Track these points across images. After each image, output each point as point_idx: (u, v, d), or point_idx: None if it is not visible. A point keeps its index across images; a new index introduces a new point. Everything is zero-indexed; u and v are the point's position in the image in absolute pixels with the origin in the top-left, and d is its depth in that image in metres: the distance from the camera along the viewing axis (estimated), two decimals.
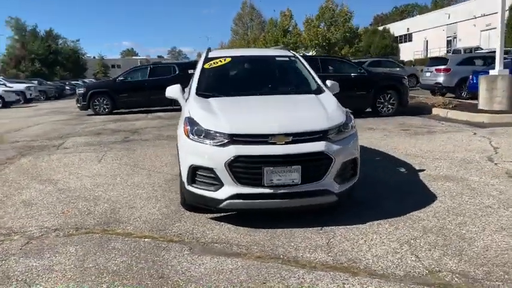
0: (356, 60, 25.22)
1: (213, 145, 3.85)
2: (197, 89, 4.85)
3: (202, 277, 3.10)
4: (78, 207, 4.77)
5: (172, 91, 5.06)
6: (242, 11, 63.31)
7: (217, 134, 3.87)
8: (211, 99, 4.58)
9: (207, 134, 3.91)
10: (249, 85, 5.11)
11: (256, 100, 4.66)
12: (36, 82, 33.93)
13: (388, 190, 5.05)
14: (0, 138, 10.61)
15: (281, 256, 3.42)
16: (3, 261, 3.44)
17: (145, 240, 3.82)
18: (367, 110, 12.49)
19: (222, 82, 5.21)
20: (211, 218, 4.24)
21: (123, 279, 3.09)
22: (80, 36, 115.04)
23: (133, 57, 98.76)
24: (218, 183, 3.85)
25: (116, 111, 15.54)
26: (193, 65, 16.46)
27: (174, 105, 13.54)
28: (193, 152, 3.95)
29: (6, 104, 23.38)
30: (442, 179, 5.41)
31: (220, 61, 5.34)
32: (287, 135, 3.82)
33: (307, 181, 3.85)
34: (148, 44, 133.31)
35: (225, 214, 4.22)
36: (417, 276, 3.04)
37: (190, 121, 4.11)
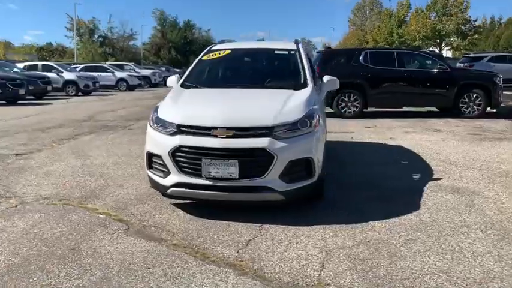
0: (472, 55, 22.92)
1: (165, 134, 4.04)
2: (184, 79, 5.05)
3: (107, 254, 3.33)
4: (79, 181, 5.34)
5: (171, 81, 5.32)
6: (362, 1, 61.20)
7: (169, 124, 4.04)
8: (189, 90, 4.76)
9: (163, 123, 4.11)
10: (235, 78, 5.17)
11: (228, 93, 4.71)
12: (163, 69, 37.08)
13: (378, 196, 4.73)
14: (91, 117, 12.02)
15: (193, 246, 3.49)
16: None
17: (100, 216, 4.17)
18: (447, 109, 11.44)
19: (211, 74, 5.34)
20: (173, 204, 4.42)
21: (44, 247, 3.46)
22: (213, 27, 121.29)
23: None
24: (166, 171, 4.04)
25: None
26: None
27: None
28: (151, 139, 4.19)
29: (131, 87, 26.03)
30: (449, 191, 4.88)
31: (219, 53, 5.45)
32: (229, 129, 3.84)
33: (247, 176, 3.83)
34: (281, 34, 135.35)
35: (190, 202, 4.33)
36: (300, 285, 2.90)
37: (155, 110, 4.35)
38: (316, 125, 4.10)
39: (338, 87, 5.21)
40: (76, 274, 3.02)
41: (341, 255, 3.32)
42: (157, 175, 4.14)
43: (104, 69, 25.77)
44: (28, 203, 4.55)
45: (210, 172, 3.83)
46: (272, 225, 3.87)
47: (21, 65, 21.05)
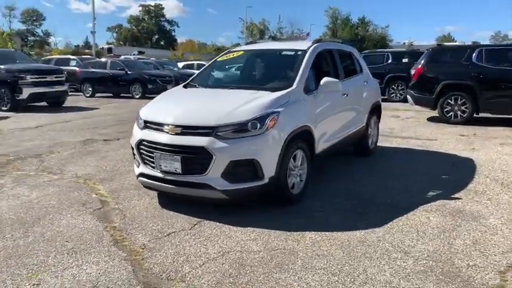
0: None
1: (138, 128, 4.53)
2: (191, 79, 5.43)
3: (54, 226, 3.97)
4: (115, 165, 6.18)
5: None
6: None
7: (141, 119, 4.51)
8: (185, 90, 5.14)
9: (139, 118, 4.60)
10: (231, 78, 5.31)
11: (208, 93, 4.93)
12: None
13: (355, 208, 4.42)
14: None
15: (123, 230, 3.90)
16: None
17: (94, 196, 4.89)
18: None
19: (214, 74, 5.55)
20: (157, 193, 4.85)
21: (23, 214, 4.29)
22: (391, 22, 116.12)
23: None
24: (138, 161, 4.52)
25: None
26: (409, 54, 15.53)
27: (388, 95, 13.20)
28: (133, 132, 4.71)
29: None
30: (446, 212, 4.25)
31: (233, 54, 5.65)
32: (177, 126, 4.11)
33: (190, 173, 4.06)
34: (475, 28, 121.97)
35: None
36: (159, 277, 3.07)
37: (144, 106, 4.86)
38: (269, 127, 4.03)
39: (339, 89, 4.91)
40: (18, 236, 3.70)
41: (230, 259, 3.31)
42: (135, 164, 4.62)
43: None
44: (62, 179, 5.50)
45: (161, 166, 4.16)
46: (211, 222, 4.01)
47: (181, 64, 23.86)
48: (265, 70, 5.33)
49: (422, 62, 10.22)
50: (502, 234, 3.71)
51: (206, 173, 3.97)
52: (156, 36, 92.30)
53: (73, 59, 22.92)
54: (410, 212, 4.25)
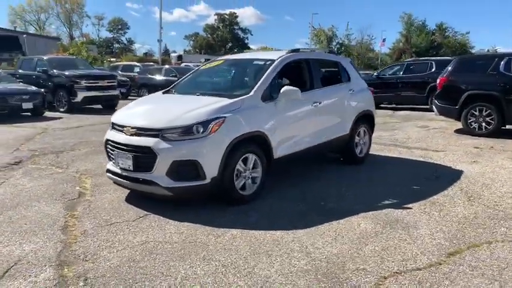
0: None
1: (109, 128, 5.09)
2: (173, 86, 5.91)
3: (19, 210, 4.62)
4: None
5: None
6: None
7: (111, 121, 5.06)
8: (159, 95, 5.65)
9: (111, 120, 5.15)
10: (203, 85, 5.69)
11: (174, 98, 5.35)
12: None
13: (302, 209, 4.63)
14: None
15: (75, 217, 4.45)
16: None
17: (77, 188, 5.51)
18: None
19: (191, 81, 5.95)
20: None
21: (8, 200, 5.00)
22: (473, 28, 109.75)
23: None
24: (108, 158, 5.09)
25: None
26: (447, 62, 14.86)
27: (430, 104, 13.00)
28: None
29: None
30: (370, 217, 4.35)
31: (215, 63, 6.06)
32: (132, 128, 4.61)
33: (139, 170, 4.53)
34: None
35: None
36: (55, 258, 3.55)
37: None
38: (211, 131, 4.39)
39: (299, 97, 5.12)
40: None
41: (146, 247, 3.71)
42: None
43: None
44: (63, 173, 6.22)
45: (119, 163, 4.67)
46: (156, 216, 4.44)
47: None
48: (235, 78, 5.66)
49: (448, 71, 9.92)
50: (418, 244, 3.75)
51: (152, 171, 4.40)
52: (230, 44, 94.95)
53: (137, 66, 24.55)
54: (347, 217, 4.37)
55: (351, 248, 3.68)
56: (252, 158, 4.79)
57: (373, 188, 5.41)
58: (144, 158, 4.45)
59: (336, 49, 53.92)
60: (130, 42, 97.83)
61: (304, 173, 6.18)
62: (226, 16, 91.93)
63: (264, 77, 5.13)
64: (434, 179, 5.93)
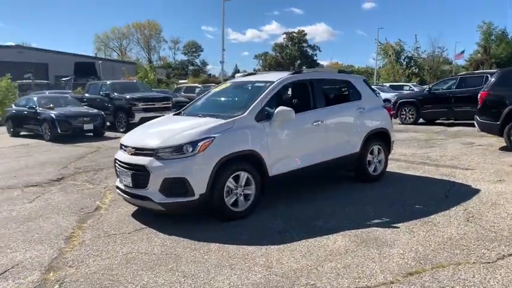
0: None
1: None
2: (185, 108, 6.36)
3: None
4: None
5: None
6: None
7: (120, 142, 5.58)
8: (168, 117, 6.10)
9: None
10: (207, 107, 6.04)
11: (179, 120, 5.72)
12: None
13: (285, 226, 4.79)
14: None
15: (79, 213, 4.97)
16: None
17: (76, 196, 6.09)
18: None
19: (201, 104, 6.32)
20: None
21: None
22: None
23: None
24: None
25: (420, 121, 15.73)
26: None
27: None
28: None
29: None
30: (350, 235, 4.41)
31: (224, 86, 6.43)
32: (132, 148, 5.09)
33: (137, 186, 4.97)
34: None
35: None
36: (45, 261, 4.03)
37: None
38: (200, 150, 4.73)
39: (292, 118, 5.30)
40: (11, 227, 5.01)
41: (126, 257, 4.09)
42: None
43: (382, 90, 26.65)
44: (93, 189, 6.86)
45: (122, 180, 5.16)
46: (151, 229, 4.84)
47: None
48: (235, 100, 5.96)
49: (489, 84, 9.49)
50: (384, 262, 3.76)
51: (147, 187, 4.81)
52: (299, 61, 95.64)
53: (198, 87, 25.71)
54: (328, 235, 4.47)
55: (314, 264, 3.78)
56: (244, 175, 5.03)
57: (370, 207, 5.40)
58: (140, 175, 4.87)
59: (404, 63, 52.42)
60: (204, 64, 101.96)
61: (311, 189, 6.28)
62: (294, 34, 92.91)
63: (259, 98, 5.39)
64: (444, 198, 5.77)
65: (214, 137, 4.82)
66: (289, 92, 6.59)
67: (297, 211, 5.33)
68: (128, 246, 4.33)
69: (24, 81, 26.83)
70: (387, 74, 50.35)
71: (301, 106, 5.84)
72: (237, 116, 5.20)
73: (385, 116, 6.88)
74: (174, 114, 6.32)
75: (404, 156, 9.03)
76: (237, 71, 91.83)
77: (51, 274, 3.76)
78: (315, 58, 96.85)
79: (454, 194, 5.95)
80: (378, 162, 6.74)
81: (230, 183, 4.93)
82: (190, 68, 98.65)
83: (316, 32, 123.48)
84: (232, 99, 6.11)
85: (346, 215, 5.12)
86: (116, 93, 16.11)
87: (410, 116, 15.74)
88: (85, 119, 13.96)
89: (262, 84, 5.78)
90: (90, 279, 3.62)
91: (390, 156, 8.17)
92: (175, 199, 4.74)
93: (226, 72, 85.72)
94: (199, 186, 4.71)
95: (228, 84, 6.56)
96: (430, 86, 16.00)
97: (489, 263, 3.70)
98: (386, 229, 4.59)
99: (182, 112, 6.23)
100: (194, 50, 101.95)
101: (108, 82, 17.30)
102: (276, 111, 5.26)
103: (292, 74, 5.98)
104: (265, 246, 4.20)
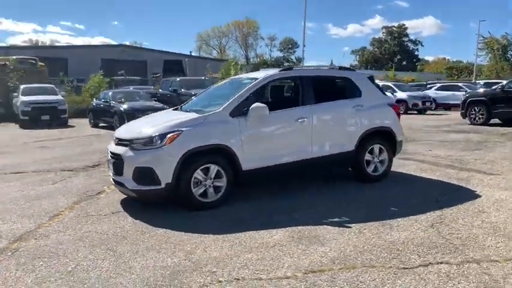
0: None
1: None
2: (184, 103, 6.76)
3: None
4: None
5: None
6: None
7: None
8: (163, 112, 6.58)
9: None
10: (197, 103, 6.34)
11: (168, 114, 6.11)
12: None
13: (245, 219, 4.96)
14: None
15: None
16: None
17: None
18: None
19: (196, 99, 6.63)
20: None
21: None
22: None
23: None
24: None
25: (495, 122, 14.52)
26: None
27: None
28: None
29: (420, 111, 22.51)
30: (294, 231, 4.47)
31: (223, 82, 6.70)
32: (117, 139, 5.62)
33: (117, 174, 5.49)
34: None
35: None
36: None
37: None
38: (166, 143, 5.10)
39: (265, 114, 5.42)
40: (18, 204, 5.83)
41: (91, 235, 4.60)
42: None
43: (457, 88, 25.07)
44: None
45: (110, 167, 5.71)
46: (126, 214, 5.30)
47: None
48: (221, 96, 6.15)
49: None
50: (299, 259, 3.80)
51: (123, 175, 5.28)
52: (398, 57, 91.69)
53: None
54: (276, 229, 4.55)
55: (233, 254, 3.94)
56: (214, 168, 5.28)
57: (348, 206, 5.33)
58: (118, 163, 5.36)
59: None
60: (299, 60, 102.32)
61: (306, 185, 6.36)
62: (394, 28, 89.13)
63: (238, 94, 5.59)
64: (433, 202, 5.48)
65: (182, 131, 5.13)
66: (279, 89, 6.64)
67: (274, 205, 5.44)
68: (93, 226, 4.82)
69: (118, 77, 29.38)
70: (489, 71, 46.25)
71: (286, 103, 5.90)
72: (212, 111, 5.44)
73: (389, 114, 6.63)
74: (173, 109, 6.73)
75: (436, 157, 8.53)
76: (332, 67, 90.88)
77: (16, 244, 4.35)
78: (416, 53, 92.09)
79: (447, 199, 5.60)
80: (378, 162, 6.52)
81: (198, 174, 5.20)
82: (286, 64, 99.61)
83: (423, 25, 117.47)
84: (221, 95, 6.35)
85: (315, 212, 5.11)
86: (183, 89, 17.07)
87: (480, 116, 14.56)
88: (150, 112, 15.01)
89: (247, 81, 5.95)
90: (37, 250, 4.13)
91: (417, 157, 7.85)
92: (145, 187, 5.14)
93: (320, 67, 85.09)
94: (166, 176, 5.05)
95: (227, 80, 6.81)
96: (504, 84, 14.62)
97: (405, 268, 3.55)
98: (335, 228, 4.54)
99: (179, 107, 6.61)
100: (290, 46, 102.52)
101: (177, 79, 18.39)
102: (250, 107, 5.41)
103: (281, 70, 6.05)
104: (205, 235, 4.42)
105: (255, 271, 3.57)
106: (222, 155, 5.33)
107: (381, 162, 6.55)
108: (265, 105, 5.45)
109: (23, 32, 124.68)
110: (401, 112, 21.12)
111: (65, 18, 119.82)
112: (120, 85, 27.54)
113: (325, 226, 4.61)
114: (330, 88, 6.63)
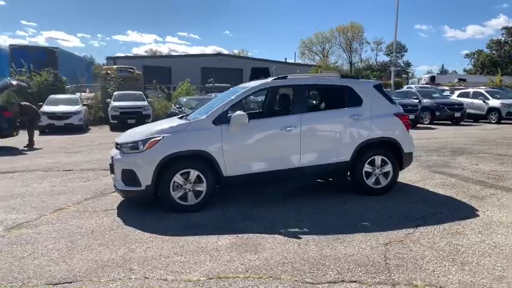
0: None
1: None
2: (193, 110, 7.13)
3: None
4: None
5: None
6: None
7: None
8: (167, 119, 6.97)
9: None
10: (197, 111, 6.61)
11: (169, 121, 6.47)
12: None
13: (207, 223, 5.16)
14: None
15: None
16: None
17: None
18: None
19: (200, 107, 6.90)
20: None
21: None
22: None
23: None
24: None
25: None
26: None
27: None
28: None
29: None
30: (239, 238, 4.58)
31: (230, 90, 6.95)
32: (115, 142, 6.19)
33: (112, 173, 6.06)
34: None
35: None
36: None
37: None
38: (148, 147, 5.51)
39: (246, 122, 5.53)
40: (24, 185, 6.69)
41: (69, 228, 5.19)
42: None
43: None
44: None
45: (110, 170, 6.29)
46: (115, 211, 5.83)
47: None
48: (215, 103, 6.36)
49: None
50: (224, 261, 3.92)
51: (115, 176, 5.80)
52: None
53: None
54: (225, 235, 4.69)
55: (166, 254, 4.16)
56: (194, 173, 5.55)
57: (311, 218, 5.24)
58: (112, 166, 5.88)
59: None
60: (407, 64, 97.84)
61: (301, 194, 6.33)
62: None
63: (224, 102, 5.81)
64: (419, 218, 5.17)
65: (163, 137, 5.48)
66: (273, 98, 6.68)
67: (252, 212, 5.55)
68: (79, 220, 5.36)
69: (208, 84, 30.96)
70: None
71: (277, 111, 5.96)
72: (197, 119, 5.72)
73: (394, 124, 6.29)
74: (178, 117, 7.08)
75: (475, 172, 7.85)
76: (444, 71, 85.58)
77: (9, 230, 5.04)
78: None
79: (437, 217, 5.23)
80: (381, 174, 6.23)
81: (178, 179, 5.50)
82: (393, 69, 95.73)
83: None
84: (216, 103, 6.56)
85: (277, 221, 5.14)
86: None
87: None
88: None
89: (240, 90, 6.12)
90: (18, 238, 4.73)
91: (452, 171, 7.41)
92: (130, 187, 5.59)
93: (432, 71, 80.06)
94: (146, 178, 5.44)
95: (231, 88, 7.03)
96: None
97: (309, 283, 3.49)
98: (284, 238, 4.55)
99: (186, 115, 6.96)
100: (398, 50, 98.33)
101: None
102: (232, 116, 5.58)
103: (274, 79, 6.11)
104: (159, 236, 4.70)
105: (169, 272, 3.75)
106: (202, 160, 5.56)
107: (384, 174, 6.24)
108: (245, 113, 5.58)
109: (145, 43, 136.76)
110: (494, 122, 19.45)
111: (182, 29, 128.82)
112: (209, 91, 28.97)
113: (275, 236, 4.61)
114: (327, 97, 6.50)
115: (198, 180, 5.56)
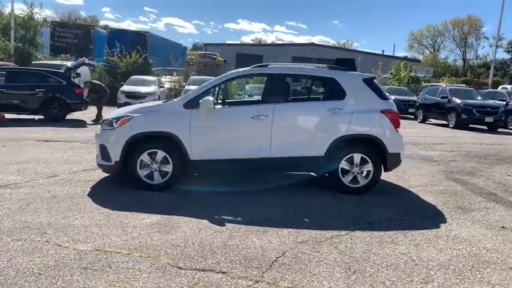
0: None
1: None
2: None
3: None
4: None
5: None
6: None
7: None
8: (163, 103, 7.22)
9: None
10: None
11: (154, 103, 6.72)
12: None
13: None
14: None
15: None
16: None
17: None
18: None
19: None
20: None
21: None
22: None
23: None
24: None
25: None
26: None
27: None
28: None
29: None
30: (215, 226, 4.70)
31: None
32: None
33: None
34: None
35: None
36: None
37: None
38: (118, 125, 5.85)
39: (210, 107, 5.58)
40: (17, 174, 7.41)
41: (46, 203, 5.74)
42: None
43: None
44: None
45: None
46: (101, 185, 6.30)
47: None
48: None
49: None
50: (130, 238, 4.09)
51: (97, 150, 6.24)
52: None
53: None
54: (156, 214, 4.80)
55: (86, 224, 4.42)
56: (161, 154, 5.75)
57: (257, 210, 5.14)
58: None
59: None
60: None
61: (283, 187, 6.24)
62: None
63: (200, 87, 5.93)
64: (367, 223, 4.85)
65: (132, 116, 5.76)
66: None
67: (209, 198, 5.54)
68: (58, 187, 5.82)
69: None
70: None
71: (251, 99, 5.92)
72: (171, 102, 5.91)
73: (379, 122, 5.86)
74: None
75: (498, 183, 7.13)
76: None
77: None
78: None
79: (389, 224, 4.86)
80: (360, 173, 5.88)
81: (145, 158, 5.74)
82: (492, 66, 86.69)
83: None
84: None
85: (230, 209, 5.11)
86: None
87: None
88: None
89: (222, 76, 6.17)
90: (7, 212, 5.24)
91: (473, 180, 6.86)
92: (104, 162, 5.96)
93: None
94: (114, 154, 5.77)
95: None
96: None
97: (174, 267, 3.51)
98: (207, 223, 4.56)
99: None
100: None
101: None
102: (201, 101, 5.67)
103: (253, 67, 6.05)
104: (104, 208, 4.94)
105: (70, 240, 3.99)
106: (170, 142, 5.72)
107: (364, 173, 5.88)
108: (212, 99, 5.61)
109: (254, 31, 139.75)
110: None
111: (291, 18, 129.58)
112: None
113: (202, 221, 4.63)
114: (309, 88, 6.23)
115: (165, 161, 5.74)
